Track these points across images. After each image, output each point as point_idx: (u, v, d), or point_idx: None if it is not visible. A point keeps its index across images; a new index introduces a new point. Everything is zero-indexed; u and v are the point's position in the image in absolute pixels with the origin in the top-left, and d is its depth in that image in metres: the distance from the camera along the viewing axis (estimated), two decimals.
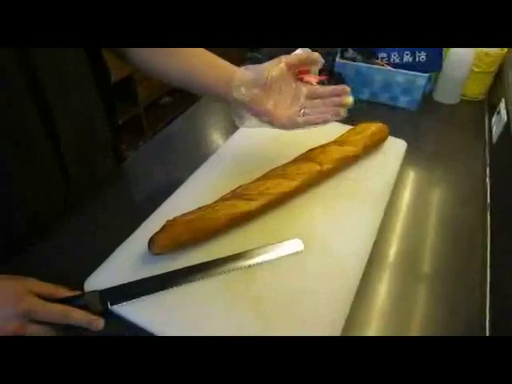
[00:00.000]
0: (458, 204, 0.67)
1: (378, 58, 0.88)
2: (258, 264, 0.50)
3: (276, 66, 0.54)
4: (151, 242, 0.49)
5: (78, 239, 0.58)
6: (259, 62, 0.57)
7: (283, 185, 0.57)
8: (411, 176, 0.72)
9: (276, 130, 0.57)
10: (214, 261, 0.50)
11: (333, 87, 0.56)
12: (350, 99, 0.55)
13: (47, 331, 0.43)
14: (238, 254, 0.51)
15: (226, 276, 0.49)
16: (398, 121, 0.86)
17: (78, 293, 0.46)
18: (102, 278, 0.49)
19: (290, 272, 0.50)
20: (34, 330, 0.42)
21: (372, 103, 0.93)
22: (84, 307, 0.44)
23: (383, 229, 0.59)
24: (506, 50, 0.88)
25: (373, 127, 0.69)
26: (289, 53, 0.59)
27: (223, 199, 0.56)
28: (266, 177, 0.59)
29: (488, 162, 0.76)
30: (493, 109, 0.87)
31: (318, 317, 0.46)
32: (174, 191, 0.62)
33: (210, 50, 0.58)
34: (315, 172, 0.60)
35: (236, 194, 0.56)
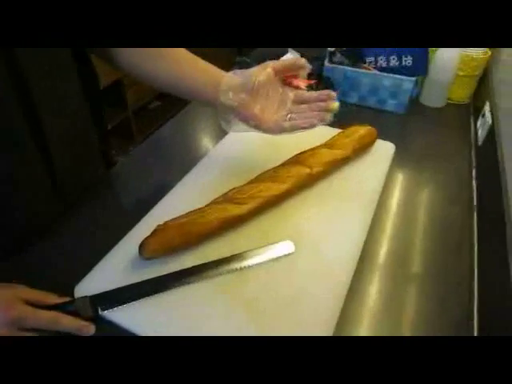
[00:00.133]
0: (445, 204, 0.68)
1: (365, 62, 0.90)
2: (250, 266, 0.50)
3: (263, 71, 0.54)
4: (142, 246, 0.49)
5: (68, 244, 0.57)
6: (248, 66, 0.57)
7: (274, 188, 0.58)
8: (400, 178, 0.73)
9: (266, 134, 0.58)
10: (206, 264, 0.50)
11: (319, 92, 0.57)
12: (335, 104, 0.55)
13: None
14: (229, 257, 0.51)
15: (219, 279, 0.49)
16: (386, 124, 0.88)
17: (67, 299, 0.46)
18: (93, 284, 0.48)
19: (282, 274, 0.50)
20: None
21: (360, 107, 0.94)
22: (74, 313, 0.44)
23: (373, 229, 0.60)
24: (489, 54, 0.90)
25: (361, 130, 0.70)
26: (278, 56, 0.60)
27: (214, 203, 0.56)
28: (256, 180, 0.60)
29: (474, 163, 0.77)
30: (478, 112, 0.88)
31: (311, 316, 0.46)
32: (164, 195, 0.62)
33: (199, 53, 0.58)
34: (305, 175, 0.61)
35: (227, 198, 0.56)
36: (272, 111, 0.56)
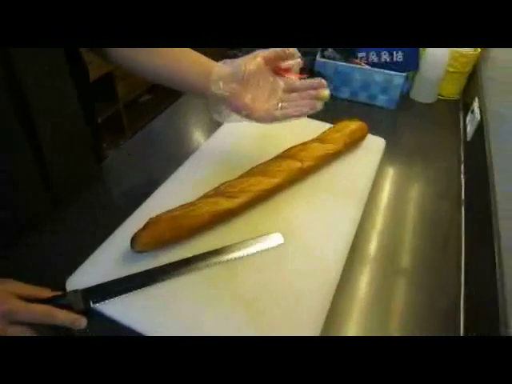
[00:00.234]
0: (434, 199, 0.69)
1: (356, 58, 0.90)
2: (239, 258, 0.51)
3: (253, 60, 0.54)
4: (134, 239, 0.49)
5: (60, 238, 0.57)
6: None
7: (265, 182, 0.58)
8: (390, 172, 0.74)
9: (258, 128, 0.58)
10: (197, 256, 0.51)
11: (309, 81, 0.57)
12: (326, 92, 0.56)
13: (29, 332, 0.42)
14: (219, 249, 0.52)
15: (209, 271, 0.50)
16: (377, 119, 0.89)
17: (59, 293, 0.46)
18: (84, 277, 0.48)
19: (271, 266, 0.51)
20: (16, 332, 0.41)
21: (352, 102, 0.94)
22: (66, 307, 0.44)
23: (364, 223, 0.61)
24: (479, 51, 0.91)
25: (352, 125, 0.70)
26: None
27: (206, 196, 0.56)
28: (248, 174, 0.60)
29: (463, 158, 0.78)
30: (467, 108, 0.90)
31: (300, 309, 0.47)
32: (155, 189, 0.62)
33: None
34: (296, 169, 0.61)
35: (218, 192, 0.56)
36: (263, 100, 0.56)
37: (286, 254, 0.53)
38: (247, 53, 0.56)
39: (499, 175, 0.61)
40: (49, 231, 0.58)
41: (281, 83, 0.57)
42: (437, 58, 0.88)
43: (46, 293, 0.45)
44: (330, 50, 0.91)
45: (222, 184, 0.58)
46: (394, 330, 0.50)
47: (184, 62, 0.57)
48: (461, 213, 0.67)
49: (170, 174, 0.65)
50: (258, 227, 0.56)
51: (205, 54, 0.58)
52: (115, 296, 0.46)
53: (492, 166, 0.64)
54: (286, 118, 0.56)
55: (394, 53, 0.87)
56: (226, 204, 0.55)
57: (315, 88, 0.56)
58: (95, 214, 0.62)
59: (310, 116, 0.74)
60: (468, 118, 0.85)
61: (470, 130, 0.81)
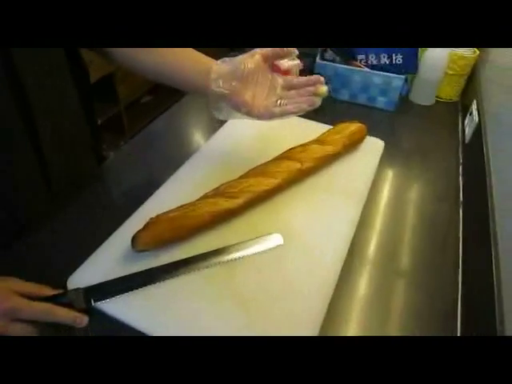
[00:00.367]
0: (433, 200, 0.70)
1: (356, 60, 0.91)
2: (239, 258, 0.51)
3: (252, 58, 0.55)
4: (134, 239, 0.50)
5: (61, 237, 0.58)
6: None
7: (265, 182, 0.58)
8: (389, 174, 0.74)
9: (258, 130, 0.59)
10: (197, 256, 0.51)
11: (307, 77, 0.58)
12: (324, 88, 0.56)
13: (30, 330, 0.43)
14: (220, 249, 0.52)
15: (209, 271, 0.50)
16: (376, 121, 0.89)
17: (61, 291, 0.46)
18: (85, 276, 0.49)
19: (271, 266, 0.51)
20: (17, 329, 0.42)
21: (351, 104, 0.95)
22: (68, 305, 0.45)
23: (363, 224, 0.61)
24: (477, 53, 0.92)
25: (352, 127, 0.71)
26: None
27: (206, 197, 0.56)
28: (248, 175, 0.60)
29: (461, 160, 0.79)
30: (466, 110, 0.90)
31: (299, 308, 0.47)
32: (156, 190, 0.62)
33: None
34: (296, 170, 0.61)
35: (218, 192, 0.57)
36: (262, 97, 0.57)
37: (285, 255, 0.53)
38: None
39: (497, 177, 0.62)
40: (49, 231, 0.58)
41: (279, 80, 0.58)
42: (436, 61, 0.89)
43: (48, 291, 0.45)
44: (329, 52, 0.92)
45: (222, 184, 0.58)
46: (394, 329, 0.50)
47: (184, 61, 0.58)
48: (459, 214, 0.67)
49: (170, 175, 0.65)
50: (257, 227, 0.56)
51: (206, 54, 0.58)
52: (116, 295, 0.46)
53: (490, 168, 0.64)
54: (285, 114, 0.56)
55: (393, 55, 0.87)
56: (225, 204, 0.55)
57: (313, 84, 0.57)
58: (96, 213, 0.62)
59: (310, 118, 0.75)
60: (466, 120, 0.86)
61: (468, 132, 0.82)
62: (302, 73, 0.89)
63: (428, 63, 0.90)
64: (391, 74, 0.87)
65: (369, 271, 0.57)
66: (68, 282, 0.48)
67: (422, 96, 0.96)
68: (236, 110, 0.56)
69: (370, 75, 0.89)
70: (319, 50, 0.94)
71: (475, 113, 0.81)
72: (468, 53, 0.91)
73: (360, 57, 0.90)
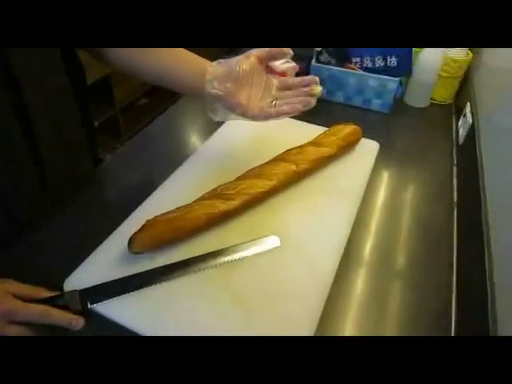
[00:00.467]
0: (428, 201, 0.71)
1: (351, 62, 0.91)
2: (236, 260, 0.52)
3: (247, 60, 0.55)
4: (131, 241, 0.50)
5: (57, 239, 0.58)
6: None
7: (261, 184, 0.59)
8: (384, 175, 0.75)
9: (254, 132, 0.59)
10: (194, 258, 0.51)
11: (302, 78, 0.58)
12: (318, 88, 0.57)
13: (26, 332, 0.43)
14: (216, 251, 0.52)
15: (206, 273, 0.50)
16: (371, 123, 0.90)
17: (57, 293, 0.46)
18: (82, 278, 0.49)
19: (268, 267, 0.52)
20: (14, 331, 0.42)
21: (346, 106, 0.96)
22: (64, 307, 0.45)
23: (358, 225, 0.62)
24: (471, 56, 0.93)
25: (347, 129, 0.71)
26: None
27: (202, 199, 0.57)
28: (244, 177, 0.61)
29: (455, 162, 0.80)
30: (459, 112, 0.91)
31: (296, 308, 0.47)
32: (153, 192, 0.62)
33: (187, 48, 0.59)
34: (291, 172, 0.62)
35: (215, 194, 0.57)
36: (257, 99, 0.57)
37: (281, 256, 0.53)
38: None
39: (490, 178, 0.62)
40: (46, 232, 0.58)
41: (274, 81, 0.58)
42: (429, 63, 0.90)
43: (44, 293, 0.45)
44: (325, 54, 0.92)
45: (219, 186, 0.59)
46: (389, 328, 0.51)
47: (179, 63, 0.58)
48: (453, 214, 0.68)
49: (167, 177, 0.65)
50: (253, 229, 0.57)
51: (199, 55, 0.59)
52: (112, 297, 0.47)
53: (483, 169, 0.65)
54: (280, 115, 0.57)
55: (388, 58, 0.88)
56: (222, 206, 0.55)
57: (308, 85, 0.57)
58: (93, 215, 0.62)
59: (306, 120, 0.76)
60: (460, 122, 0.87)
61: (462, 133, 0.83)
62: (298, 76, 0.90)
63: (422, 66, 0.91)
64: (386, 77, 0.88)
65: (365, 271, 0.57)
66: (65, 284, 0.48)
67: (417, 98, 0.97)
68: (231, 112, 0.56)
69: (365, 78, 0.90)
70: (314, 52, 0.94)
71: (469, 115, 0.81)
72: (461, 55, 0.92)
73: (355, 59, 0.91)
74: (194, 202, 0.56)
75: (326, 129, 0.73)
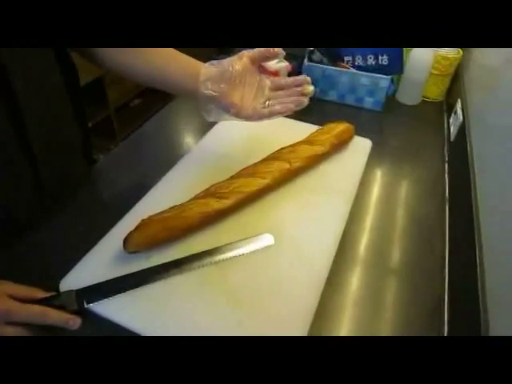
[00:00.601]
0: (420, 198, 0.72)
1: (343, 61, 0.92)
2: (231, 258, 0.52)
3: (239, 61, 0.56)
4: (126, 240, 0.50)
5: (52, 240, 0.58)
6: None
7: (254, 183, 0.59)
8: (377, 172, 0.76)
9: (248, 131, 0.60)
10: (189, 256, 0.52)
11: (294, 78, 0.59)
12: (310, 88, 0.57)
13: (23, 333, 0.43)
14: (212, 250, 0.53)
15: (201, 271, 0.51)
16: (363, 121, 0.91)
17: (53, 293, 0.47)
18: (78, 278, 0.49)
19: (262, 265, 0.52)
20: (10, 332, 0.42)
21: (339, 104, 0.96)
22: (61, 307, 0.45)
23: (352, 222, 0.62)
24: (461, 54, 0.94)
25: (340, 127, 0.72)
26: None
27: (197, 198, 0.57)
28: (238, 176, 0.61)
29: (447, 158, 0.81)
30: (451, 109, 0.92)
31: (290, 306, 0.48)
32: (147, 192, 0.63)
33: (179, 49, 0.59)
34: (285, 170, 0.62)
35: (209, 193, 0.58)
36: (250, 99, 0.58)
37: (275, 254, 0.54)
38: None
39: (480, 173, 0.63)
40: (41, 233, 0.59)
41: (267, 82, 0.59)
42: (420, 61, 0.91)
43: (40, 293, 0.46)
44: (317, 53, 0.93)
45: (213, 185, 0.59)
46: (383, 325, 0.51)
47: (172, 64, 0.58)
48: (445, 211, 0.69)
49: (161, 177, 0.66)
50: (248, 227, 0.57)
51: (191, 56, 0.59)
52: (109, 296, 0.47)
53: (473, 165, 0.66)
54: (274, 115, 0.57)
55: (380, 56, 0.89)
56: (216, 205, 0.56)
57: (300, 85, 0.58)
58: (87, 216, 0.62)
59: (299, 119, 0.77)
60: (451, 119, 0.88)
61: (453, 130, 0.84)
62: (291, 75, 0.91)
63: (413, 64, 0.92)
64: (378, 75, 0.89)
65: (359, 268, 0.58)
66: (61, 284, 0.49)
67: (409, 96, 0.98)
68: (225, 112, 0.57)
69: (357, 76, 0.91)
70: (307, 51, 0.95)
71: (459, 111, 0.82)
72: (452, 53, 0.93)
73: (347, 58, 0.92)
74: (189, 201, 0.57)
75: (319, 127, 0.74)
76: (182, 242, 0.54)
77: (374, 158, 0.75)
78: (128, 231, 0.51)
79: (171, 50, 0.59)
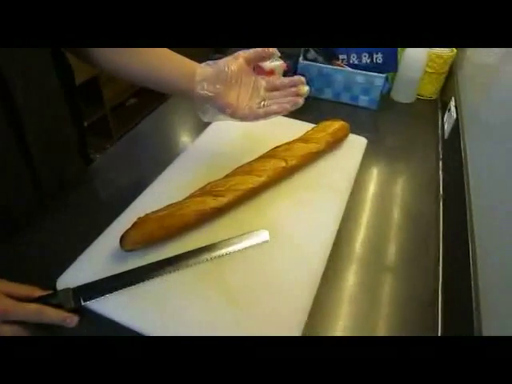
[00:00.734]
0: (415, 195, 0.72)
1: (338, 59, 0.93)
2: (227, 255, 0.53)
3: (235, 61, 0.56)
4: (123, 238, 0.50)
5: (50, 238, 0.58)
6: None
7: (250, 181, 0.60)
8: (372, 170, 0.76)
9: (243, 129, 0.60)
10: (185, 253, 0.52)
11: (289, 78, 0.60)
12: (305, 88, 0.58)
13: (20, 331, 0.43)
14: (207, 246, 0.53)
15: (198, 267, 0.51)
16: (359, 119, 0.91)
17: (50, 292, 0.47)
18: (75, 276, 0.49)
19: (258, 262, 0.53)
20: (8, 331, 0.42)
21: (335, 103, 0.97)
22: (58, 306, 0.45)
23: (348, 220, 0.63)
24: (455, 52, 0.95)
25: (335, 125, 0.72)
26: None
27: (193, 196, 0.57)
28: (233, 174, 0.62)
29: (441, 156, 0.81)
30: (445, 107, 0.93)
31: (286, 302, 0.48)
32: (143, 191, 0.63)
33: (175, 49, 0.59)
34: (280, 168, 0.63)
35: (205, 191, 0.58)
36: (246, 99, 0.58)
37: (271, 251, 0.54)
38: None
39: (473, 171, 0.64)
40: (38, 231, 0.59)
41: (262, 82, 0.60)
42: (415, 60, 0.92)
43: (37, 292, 0.46)
44: (312, 52, 0.93)
45: (209, 183, 0.59)
46: (379, 321, 0.52)
47: (167, 64, 0.59)
48: (439, 208, 0.69)
49: (158, 175, 0.66)
50: (244, 225, 0.57)
51: (187, 56, 0.59)
52: (106, 294, 0.47)
53: (467, 163, 0.67)
54: (269, 115, 0.58)
55: (374, 54, 0.89)
56: (212, 203, 0.56)
57: (295, 85, 0.58)
58: (84, 215, 0.63)
59: (295, 117, 0.77)
60: (445, 117, 0.89)
61: (447, 128, 0.84)
62: (286, 73, 0.91)
63: (407, 62, 0.92)
64: (373, 73, 0.89)
65: (355, 265, 0.58)
66: (57, 283, 0.49)
67: (403, 94, 0.99)
68: (221, 112, 0.57)
69: (352, 74, 0.91)
70: (301, 50, 0.95)
71: (453, 109, 0.83)
72: (446, 52, 0.94)
73: (341, 56, 0.92)
74: (185, 199, 0.57)
75: (314, 125, 0.74)
76: (178, 239, 0.55)
77: (369, 155, 0.75)
78: (124, 229, 0.51)
79: (166, 51, 0.59)
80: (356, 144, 0.76)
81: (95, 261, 0.52)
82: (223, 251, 0.53)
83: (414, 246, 0.62)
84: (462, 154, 0.69)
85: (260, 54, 0.57)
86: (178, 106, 0.95)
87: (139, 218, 0.52)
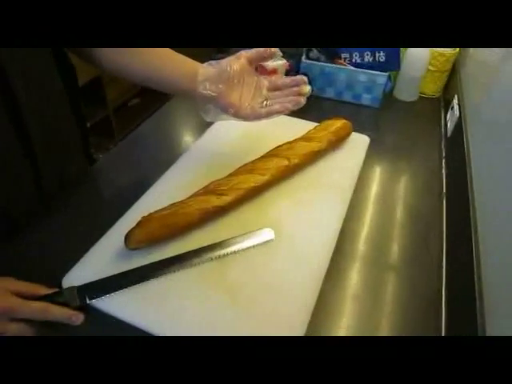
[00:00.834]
0: (418, 193, 0.72)
1: (340, 58, 0.93)
2: (231, 253, 0.53)
3: (237, 61, 0.56)
4: (127, 237, 0.51)
5: (55, 237, 0.58)
6: None
7: (253, 180, 0.60)
8: (374, 168, 0.76)
9: (246, 128, 0.60)
10: (189, 252, 0.52)
11: (291, 78, 0.60)
12: (307, 88, 0.59)
13: (27, 329, 0.44)
14: (212, 245, 0.53)
15: (202, 266, 0.51)
16: (361, 117, 0.91)
17: (56, 290, 0.47)
18: (80, 274, 0.50)
19: (262, 260, 0.53)
20: (14, 329, 0.43)
21: (337, 101, 0.97)
22: (63, 304, 0.45)
23: (351, 218, 0.63)
24: (458, 50, 0.95)
25: (337, 124, 0.72)
26: None
27: (196, 195, 0.58)
28: (236, 173, 0.62)
29: (444, 154, 0.81)
30: (448, 105, 0.93)
31: (289, 302, 0.49)
32: (146, 191, 0.63)
33: (177, 49, 0.60)
34: (283, 167, 0.63)
35: (208, 190, 0.58)
36: (248, 99, 0.58)
37: (274, 250, 0.54)
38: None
39: (477, 169, 0.64)
40: (43, 230, 0.59)
41: (265, 82, 0.60)
42: (417, 58, 0.91)
43: (43, 290, 0.46)
44: (314, 51, 0.93)
45: (212, 183, 0.60)
46: (382, 319, 0.52)
47: (169, 64, 0.59)
48: (442, 206, 0.69)
49: (161, 175, 0.66)
50: (247, 224, 0.58)
51: (189, 56, 0.60)
52: (111, 292, 0.47)
53: (470, 161, 0.66)
54: (271, 114, 0.58)
55: (376, 53, 0.89)
56: (215, 202, 0.56)
57: (297, 85, 0.59)
58: (87, 214, 0.63)
59: (297, 116, 0.77)
60: (448, 115, 0.88)
61: (450, 126, 0.84)
62: (289, 73, 0.91)
63: (410, 60, 0.92)
64: (375, 72, 0.89)
65: (358, 263, 0.58)
66: (63, 281, 0.49)
67: (406, 92, 0.99)
68: (223, 112, 0.58)
69: (354, 73, 0.91)
70: (304, 49, 0.95)
71: (456, 107, 0.83)
72: (448, 50, 0.93)
73: (344, 55, 0.92)
74: (188, 198, 0.57)
75: (316, 124, 0.74)
76: (182, 238, 0.55)
77: (372, 154, 0.75)
78: (128, 228, 0.52)
79: (168, 50, 0.59)
80: (358, 142, 0.76)
81: (100, 259, 0.52)
82: (228, 250, 0.53)
83: (417, 244, 0.62)
84: (465, 152, 0.68)
85: (262, 53, 0.57)
86: (180, 106, 0.95)
87: (143, 217, 0.53)
